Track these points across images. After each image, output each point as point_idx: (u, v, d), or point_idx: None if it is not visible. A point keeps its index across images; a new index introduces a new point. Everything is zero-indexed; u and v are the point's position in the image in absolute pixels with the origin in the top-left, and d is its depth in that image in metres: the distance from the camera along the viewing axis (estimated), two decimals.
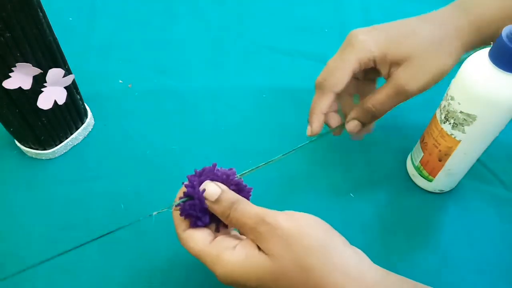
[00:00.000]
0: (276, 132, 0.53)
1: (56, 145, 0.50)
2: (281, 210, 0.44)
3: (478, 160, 0.50)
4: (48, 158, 0.50)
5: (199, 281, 0.42)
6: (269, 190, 0.48)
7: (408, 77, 0.40)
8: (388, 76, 0.42)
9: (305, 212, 0.43)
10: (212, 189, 0.34)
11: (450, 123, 0.41)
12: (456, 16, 0.42)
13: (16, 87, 0.41)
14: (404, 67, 0.40)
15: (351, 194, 0.48)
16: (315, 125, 0.42)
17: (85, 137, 0.53)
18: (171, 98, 0.57)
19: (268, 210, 0.32)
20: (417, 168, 0.48)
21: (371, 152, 0.52)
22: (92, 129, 0.54)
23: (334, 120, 0.45)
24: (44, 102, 0.44)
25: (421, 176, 0.47)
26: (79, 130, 0.52)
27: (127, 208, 0.45)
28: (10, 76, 0.40)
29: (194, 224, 0.35)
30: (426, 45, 0.40)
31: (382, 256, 0.44)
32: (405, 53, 0.40)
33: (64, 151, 0.51)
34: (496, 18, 0.41)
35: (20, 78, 0.41)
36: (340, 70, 0.41)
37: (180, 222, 0.35)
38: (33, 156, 0.50)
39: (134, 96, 0.58)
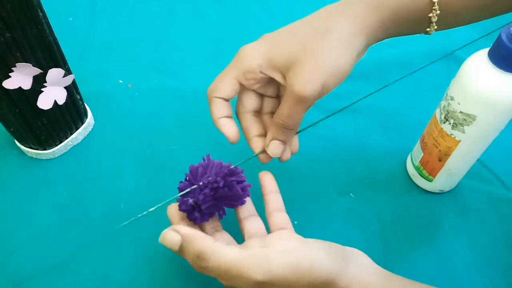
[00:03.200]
0: None
1: (56, 145, 0.50)
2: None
3: (478, 160, 0.50)
4: (48, 158, 0.50)
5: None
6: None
7: (300, 82, 0.35)
8: None
9: (304, 212, 0.43)
10: (170, 236, 0.33)
11: (450, 123, 0.41)
12: (346, 5, 0.37)
13: (16, 87, 0.41)
14: (293, 72, 0.36)
15: (351, 194, 0.48)
16: (226, 132, 0.41)
17: (85, 137, 0.53)
18: (171, 98, 0.57)
19: (239, 259, 0.32)
20: (417, 168, 0.48)
21: (372, 152, 0.52)
22: (92, 129, 0.54)
23: (257, 144, 0.42)
24: (44, 102, 0.44)
25: (421, 176, 0.47)
26: (79, 130, 0.52)
27: (127, 208, 0.45)
28: (10, 76, 0.40)
29: (191, 216, 0.36)
30: (312, 40, 0.36)
31: (382, 256, 0.44)
32: (290, 55, 0.36)
33: (64, 151, 0.51)
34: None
35: (20, 78, 0.41)
36: (220, 81, 0.40)
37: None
38: (33, 156, 0.50)
39: (134, 96, 0.58)
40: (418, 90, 0.57)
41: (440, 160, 0.44)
